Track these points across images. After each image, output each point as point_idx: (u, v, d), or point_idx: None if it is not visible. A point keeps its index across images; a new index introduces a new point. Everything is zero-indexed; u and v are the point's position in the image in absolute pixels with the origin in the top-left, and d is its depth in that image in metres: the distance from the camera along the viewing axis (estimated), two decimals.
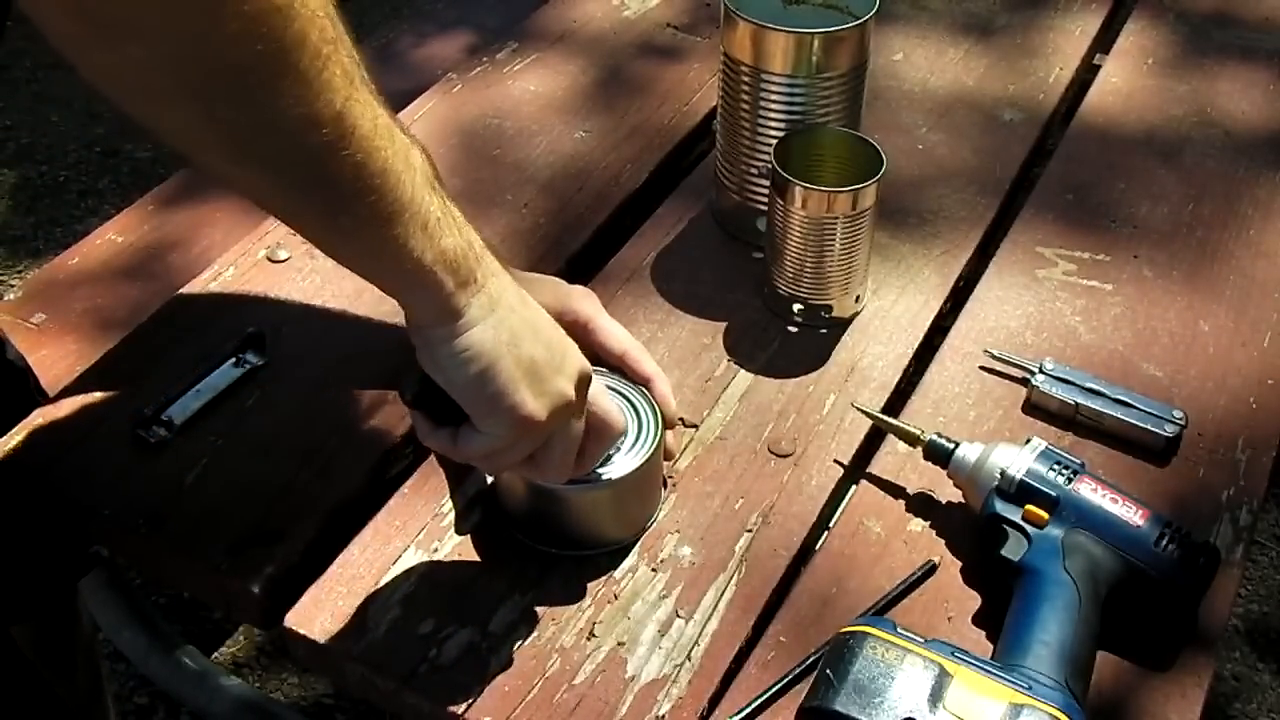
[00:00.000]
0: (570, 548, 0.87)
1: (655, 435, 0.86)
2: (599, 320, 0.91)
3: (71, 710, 1.12)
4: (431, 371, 0.71)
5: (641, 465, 0.85)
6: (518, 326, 0.70)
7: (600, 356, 0.91)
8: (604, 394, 0.80)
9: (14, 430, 0.94)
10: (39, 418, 0.95)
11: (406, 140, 0.65)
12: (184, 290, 1.08)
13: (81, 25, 0.52)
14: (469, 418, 0.72)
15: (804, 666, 0.80)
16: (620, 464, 0.85)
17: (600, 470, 0.84)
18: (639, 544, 0.88)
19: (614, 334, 0.91)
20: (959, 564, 0.87)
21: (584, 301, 0.91)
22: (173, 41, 0.53)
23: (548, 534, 0.87)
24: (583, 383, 0.74)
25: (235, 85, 0.55)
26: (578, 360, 0.74)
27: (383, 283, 0.69)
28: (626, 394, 0.89)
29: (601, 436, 0.80)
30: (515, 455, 0.74)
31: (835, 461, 0.94)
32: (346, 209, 0.63)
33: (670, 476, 0.92)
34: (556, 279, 0.94)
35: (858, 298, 1.06)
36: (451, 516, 0.89)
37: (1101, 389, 0.97)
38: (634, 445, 0.86)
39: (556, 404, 0.72)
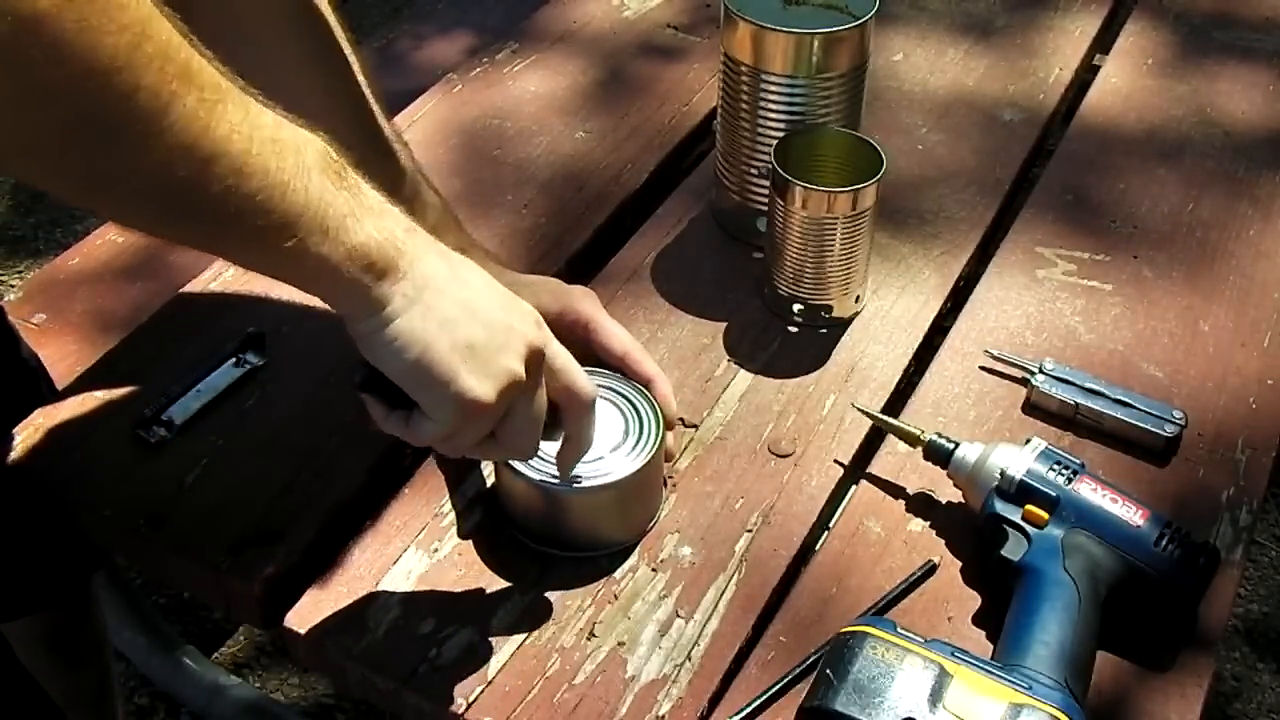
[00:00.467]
0: (572, 549, 0.87)
1: (656, 436, 0.86)
2: (599, 320, 0.91)
3: (73, 708, 1.13)
4: (371, 361, 0.70)
5: (643, 467, 0.85)
6: (450, 310, 0.68)
7: (601, 357, 0.91)
8: (568, 365, 0.76)
9: (18, 429, 0.94)
10: (40, 418, 0.96)
11: (299, 139, 0.62)
12: (184, 290, 1.08)
13: None
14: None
15: (804, 666, 0.80)
16: (621, 466, 0.85)
17: (601, 472, 0.84)
18: (639, 544, 0.88)
19: (615, 335, 0.91)
20: (959, 564, 0.87)
21: (584, 302, 0.91)
22: None
23: (549, 536, 0.87)
24: (534, 358, 0.72)
25: (68, 143, 0.54)
26: (524, 336, 0.71)
27: (295, 284, 0.67)
28: (626, 394, 0.89)
29: (575, 406, 0.77)
30: (470, 437, 0.72)
31: (835, 461, 0.94)
32: (228, 232, 0.61)
33: (670, 476, 0.92)
34: (557, 280, 0.94)
35: (858, 298, 1.06)
36: (452, 516, 0.89)
37: (1101, 389, 0.97)
38: (635, 447, 0.86)
39: (503, 383, 0.69)
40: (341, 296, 0.66)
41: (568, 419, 0.78)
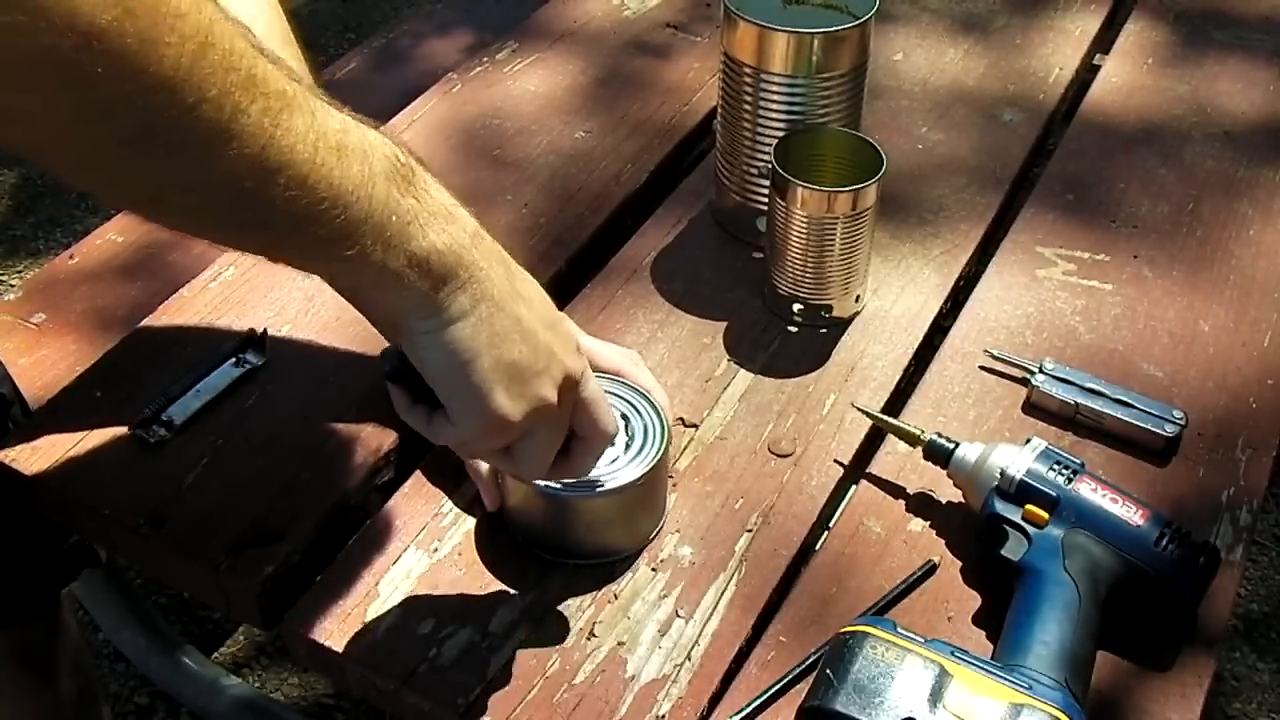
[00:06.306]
0: (577, 557, 0.86)
1: (660, 443, 0.86)
2: (581, 342, 0.89)
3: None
4: (409, 356, 0.69)
5: (646, 473, 0.84)
6: (501, 326, 0.68)
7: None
8: (596, 398, 0.76)
9: (9, 438, 0.94)
10: (39, 418, 0.95)
11: (366, 144, 0.61)
12: (184, 290, 1.08)
13: None
14: None
15: (804, 666, 0.80)
16: (625, 472, 0.84)
17: (605, 478, 0.84)
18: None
19: (602, 355, 0.90)
20: (959, 564, 0.87)
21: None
22: (47, 125, 0.50)
23: (554, 543, 0.86)
24: (567, 385, 0.72)
25: (130, 158, 0.53)
26: (565, 364, 0.72)
27: (353, 285, 0.66)
28: (629, 400, 0.88)
29: (591, 440, 0.77)
30: (485, 447, 0.73)
31: (835, 461, 0.94)
32: (288, 240, 0.60)
33: (670, 476, 0.92)
34: None
35: (858, 298, 1.06)
36: (452, 516, 0.89)
37: (1101, 389, 0.97)
38: (639, 453, 0.85)
39: (533, 406, 0.70)
40: (398, 299, 0.66)
41: (579, 448, 0.77)
